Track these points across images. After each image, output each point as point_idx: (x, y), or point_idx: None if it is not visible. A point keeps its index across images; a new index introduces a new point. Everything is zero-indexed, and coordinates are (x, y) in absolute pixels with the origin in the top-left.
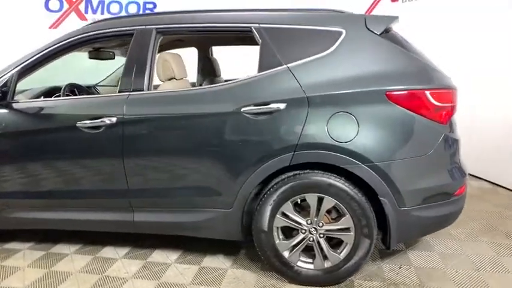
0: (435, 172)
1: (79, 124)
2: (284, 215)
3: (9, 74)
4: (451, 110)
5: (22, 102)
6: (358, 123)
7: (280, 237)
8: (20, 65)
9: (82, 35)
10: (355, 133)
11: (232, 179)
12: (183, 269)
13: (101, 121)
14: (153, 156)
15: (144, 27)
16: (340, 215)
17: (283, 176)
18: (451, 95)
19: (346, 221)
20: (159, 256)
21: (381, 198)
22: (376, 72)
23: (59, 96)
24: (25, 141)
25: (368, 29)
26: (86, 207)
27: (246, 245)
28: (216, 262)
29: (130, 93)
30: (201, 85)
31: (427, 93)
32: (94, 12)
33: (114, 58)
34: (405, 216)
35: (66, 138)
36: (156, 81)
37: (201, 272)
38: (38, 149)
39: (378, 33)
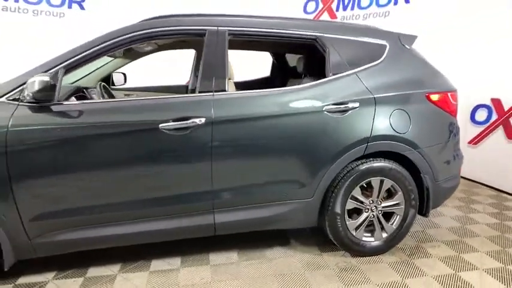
0: (451, 153)
1: (162, 126)
2: (354, 198)
3: (53, 70)
4: (457, 107)
5: (75, 103)
6: (410, 118)
7: (349, 218)
8: (67, 60)
9: (147, 31)
10: (409, 126)
11: (316, 171)
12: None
13: (191, 122)
14: (241, 155)
15: (216, 28)
16: (390, 194)
17: (353, 165)
18: (457, 96)
19: (399, 197)
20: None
21: (424, 176)
22: (415, 78)
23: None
24: (88, 147)
25: (402, 44)
26: (161, 216)
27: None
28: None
29: (214, 93)
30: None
31: (449, 94)
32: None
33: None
34: (437, 188)
35: (145, 141)
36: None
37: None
38: (106, 156)
39: (409, 47)
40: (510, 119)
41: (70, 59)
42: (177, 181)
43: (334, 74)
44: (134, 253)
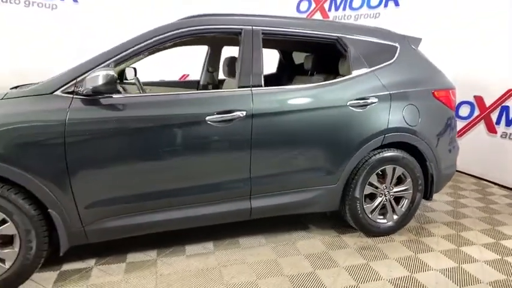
0: (451, 144)
1: (209, 118)
2: (371, 184)
3: (105, 64)
4: (455, 103)
5: (126, 96)
6: (419, 112)
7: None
8: (118, 54)
9: (191, 28)
10: (418, 119)
11: (340, 160)
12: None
13: (234, 115)
14: (276, 145)
15: (251, 27)
16: (400, 180)
17: (372, 154)
18: (455, 92)
19: (408, 183)
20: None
21: (430, 164)
22: (422, 76)
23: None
24: (140, 138)
25: (410, 45)
26: (205, 202)
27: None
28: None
29: (252, 88)
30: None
31: (450, 91)
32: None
33: None
34: (440, 174)
35: (193, 133)
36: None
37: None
38: (156, 146)
39: (415, 49)
40: (491, 114)
41: (119, 54)
42: (219, 169)
43: (354, 72)
44: (165, 240)
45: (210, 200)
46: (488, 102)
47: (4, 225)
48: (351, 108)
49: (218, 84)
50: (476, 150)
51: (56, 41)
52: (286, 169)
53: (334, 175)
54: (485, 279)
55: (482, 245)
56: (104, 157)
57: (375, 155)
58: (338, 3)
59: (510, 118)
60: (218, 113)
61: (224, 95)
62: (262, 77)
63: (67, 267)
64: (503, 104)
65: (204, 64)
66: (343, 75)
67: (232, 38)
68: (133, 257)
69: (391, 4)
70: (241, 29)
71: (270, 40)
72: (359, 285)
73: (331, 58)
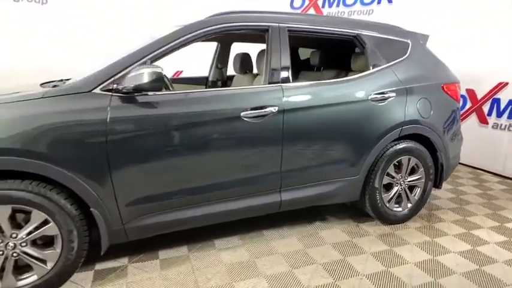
0: (457, 135)
1: (243, 114)
2: (388, 174)
3: (142, 61)
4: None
5: (164, 93)
6: (431, 105)
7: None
8: (154, 51)
9: (222, 25)
10: (430, 111)
11: (362, 152)
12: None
13: (267, 111)
14: (305, 139)
15: (277, 24)
16: (413, 170)
17: (390, 146)
18: (460, 86)
19: (421, 173)
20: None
21: (440, 154)
22: (432, 71)
23: None
24: (178, 135)
25: (420, 42)
26: (238, 196)
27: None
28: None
29: (282, 84)
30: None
31: (457, 85)
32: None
33: None
34: (448, 163)
35: (228, 129)
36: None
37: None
38: (195, 142)
39: (424, 45)
40: (482, 106)
41: (155, 50)
42: (253, 164)
43: (372, 68)
44: (193, 235)
45: (243, 194)
46: (479, 95)
47: (46, 226)
48: (372, 102)
49: (226, 81)
50: (469, 140)
51: (47, 36)
52: (314, 162)
53: (357, 167)
54: (500, 258)
55: (489, 228)
56: (143, 155)
57: (392, 146)
58: (331, 0)
59: (501, 110)
60: (252, 109)
61: (257, 91)
62: (290, 72)
63: (100, 266)
64: (494, 97)
65: (213, 61)
66: (356, 71)
67: (243, 34)
68: (165, 254)
69: (384, 1)
70: (269, 26)
71: (293, 37)
72: (389, 270)
73: (338, 54)
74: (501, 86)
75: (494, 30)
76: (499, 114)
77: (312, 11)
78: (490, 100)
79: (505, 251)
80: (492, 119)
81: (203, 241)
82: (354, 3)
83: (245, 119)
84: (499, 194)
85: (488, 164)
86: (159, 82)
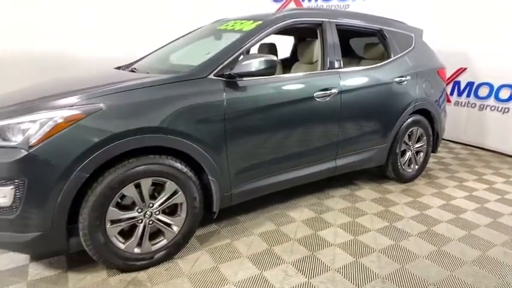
0: (445, 109)
1: (316, 94)
2: (404, 142)
3: (239, 52)
4: None
5: (261, 78)
6: (431, 85)
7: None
8: (249, 41)
9: (293, 19)
10: (431, 91)
11: (389, 124)
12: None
13: (332, 91)
14: (354, 114)
15: (328, 20)
16: (418, 138)
17: (406, 119)
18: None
19: (424, 140)
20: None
21: (437, 124)
22: (429, 58)
23: None
24: (274, 113)
25: (418, 34)
26: (307, 164)
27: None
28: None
29: (338, 69)
30: None
31: (445, 69)
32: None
33: None
34: (441, 132)
35: (305, 107)
36: None
37: None
38: (284, 120)
39: (421, 37)
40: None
41: (250, 41)
42: (321, 136)
43: (393, 56)
44: (270, 201)
45: (313, 162)
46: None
47: (177, 195)
48: (395, 84)
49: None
50: None
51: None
52: (359, 133)
53: (386, 137)
54: (491, 198)
55: (473, 180)
56: (250, 130)
57: (407, 119)
58: None
59: (461, 90)
60: (320, 90)
61: (322, 76)
62: (341, 60)
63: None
64: (455, 80)
65: None
66: (375, 59)
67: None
68: (241, 219)
69: None
70: (322, 21)
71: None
72: (423, 213)
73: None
74: (461, 70)
75: (455, 20)
76: (459, 94)
77: (292, 5)
78: (452, 82)
79: (489, 193)
80: (454, 98)
81: (281, 203)
82: None
83: (317, 98)
84: (467, 156)
85: (452, 134)
86: (273, 68)
